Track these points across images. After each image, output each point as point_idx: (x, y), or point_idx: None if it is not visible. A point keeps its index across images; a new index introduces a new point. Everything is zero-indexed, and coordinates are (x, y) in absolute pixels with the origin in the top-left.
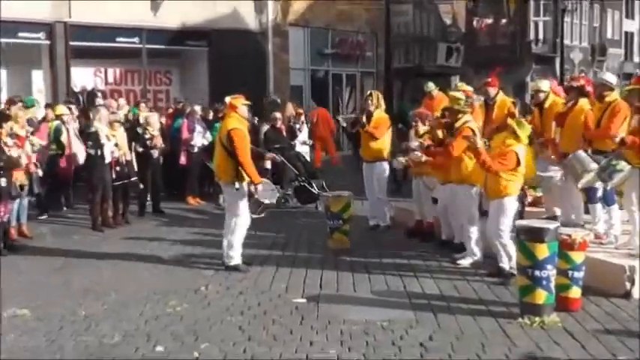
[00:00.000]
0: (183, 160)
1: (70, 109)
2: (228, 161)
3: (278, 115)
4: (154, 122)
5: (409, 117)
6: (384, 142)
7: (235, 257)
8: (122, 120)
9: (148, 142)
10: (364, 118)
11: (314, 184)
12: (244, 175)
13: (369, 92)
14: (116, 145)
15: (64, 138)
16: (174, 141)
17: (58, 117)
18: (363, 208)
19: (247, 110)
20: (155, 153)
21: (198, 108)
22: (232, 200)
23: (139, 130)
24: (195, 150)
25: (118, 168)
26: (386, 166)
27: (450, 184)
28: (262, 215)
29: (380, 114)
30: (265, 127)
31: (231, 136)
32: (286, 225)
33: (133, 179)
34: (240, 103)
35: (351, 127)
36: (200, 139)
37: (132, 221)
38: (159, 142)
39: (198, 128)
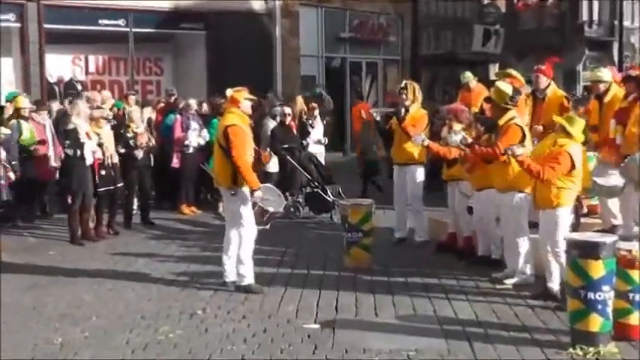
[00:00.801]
0: (175, 162)
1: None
2: (227, 163)
3: (287, 110)
4: (136, 118)
5: (440, 112)
6: None
7: (248, 276)
8: (110, 116)
9: (130, 142)
10: (403, 111)
11: (329, 191)
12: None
13: (403, 84)
14: (101, 144)
15: (26, 137)
16: (166, 140)
17: (17, 111)
18: (386, 219)
19: (251, 106)
20: (139, 154)
21: (193, 102)
22: (234, 208)
23: (123, 129)
24: (190, 150)
25: (103, 172)
26: (421, 170)
27: (486, 191)
28: (267, 227)
29: (417, 110)
30: (272, 124)
31: (227, 134)
32: (296, 238)
33: (120, 185)
34: (242, 97)
35: (385, 122)
36: (195, 137)
37: (117, 231)
38: (143, 140)
39: (194, 125)
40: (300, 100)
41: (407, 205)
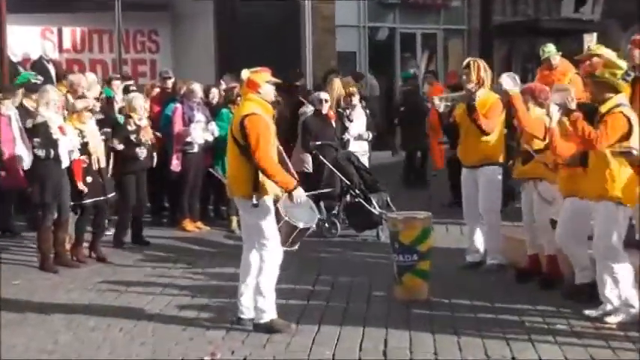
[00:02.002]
0: (175, 164)
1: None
2: (243, 165)
3: (324, 95)
4: (139, 107)
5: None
6: (495, 136)
7: (269, 311)
8: (96, 108)
9: (132, 137)
10: (476, 99)
11: (374, 201)
12: (267, 184)
13: (466, 62)
14: (85, 144)
15: None
16: (164, 137)
17: None
18: (449, 237)
19: (274, 91)
20: (142, 153)
21: (197, 87)
22: (254, 224)
23: (119, 118)
24: (195, 150)
25: (89, 178)
26: (499, 172)
27: (574, 198)
28: (295, 247)
29: (487, 95)
30: (307, 113)
31: (245, 126)
32: (332, 262)
33: (110, 196)
34: (263, 79)
35: (449, 114)
36: (200, 133)
37: (104, 256)
38: (148, 136)
39: (199, 117)
40: (337, 83)
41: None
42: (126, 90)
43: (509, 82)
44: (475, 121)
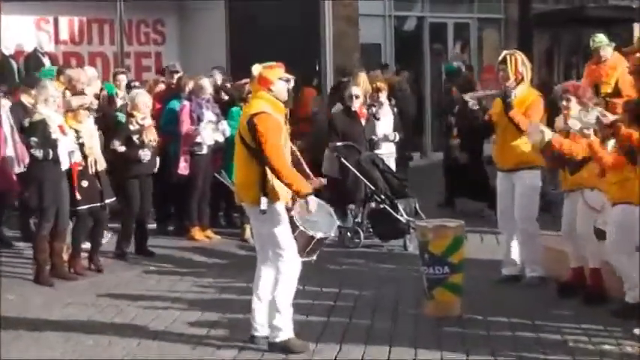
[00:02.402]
0: (183, 167)
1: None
2: (251, 169)
3: (356, 90)
4: (142, 104)
5: (554, 93)
6: None
7: (285, 328)
8: (93, 105)
9: (134, 138)
10: (513, 96)
11: (401, 207)
12: (278, 188)
13: (502, 56)
14: (82, 145)
15: None
16: (169, 137)
17: None
18: (484, 247)
19: (287, 88)
20: (146, 155)
21: (207, 83)
22: (267, 233)
23: (120, 116)
24: (204, 151)
25: (85, 183)
26: (538, 176)
27: (625, 205)
28: (314, 259)
29: (527, 91)
30: (336, 108)
31: (254, 125)
32: (355, 275)
33: (109, 201)
34: (276, 75)
35: (483, 112)
36: (210, 132)
37: (105, 268)
38: (152, 136)
39: (208, 115)
40: (363, 77)
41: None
42: (128, 87)
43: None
44: (512, 119)
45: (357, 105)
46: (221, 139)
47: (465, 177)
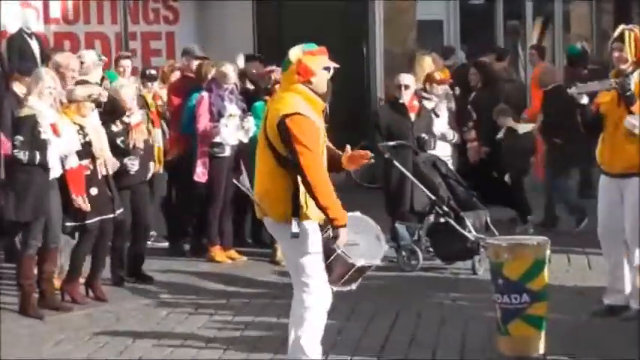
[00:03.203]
0: (200, 173)
1: None
2: (279, 179)
3: (406, 79)
4: (128, 96)
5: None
6: None
7: None
8: (103, 97)
9: (118, 141)
10: (632, 86)
11: (468, 221)
12: (312, 204)
13: (619, 31)
14: (88, 144)
15: None
16: (188, 137)
17: None
18: (573, 270)
19: (329, 79)
20: (133, 165)
21: (231, 70)
22: (294, 257)
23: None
24: (226, 153)
25: (94, 190)
26: None
27: None
28: (352, 288)
29: None
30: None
31: (287, 128)
32: (412, 305)
33: (120, 212)
34: (319, 64)
35: (595, 107)
36: (234, 130)
37: (105, 297)
38: (141, 137)
39: (231, 109)
40: (428, 62)
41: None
42: (144, 76)
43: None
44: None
45: (406, 97)
46: (245, 139)
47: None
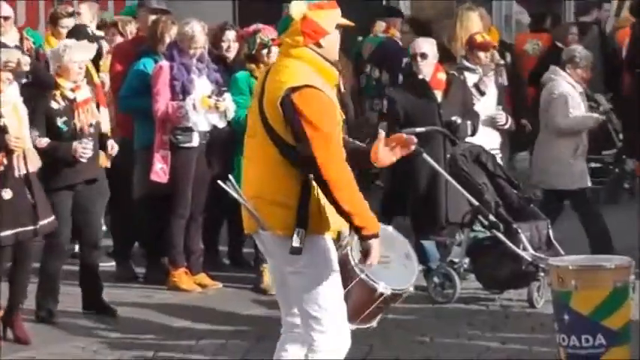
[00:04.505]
0: (160, 170)
1: None
2: (283, 178)
3: (423, 45)
4: (74, 66)
5: None
6: None
7: None
8: (25, 64)
9: (59, 123)
10: None
11: (523, 237)
12: (325, 212)
13: None
14: (2, 130)
15: None
16: (134, 119)
17: None
18: None
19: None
20: (85, 151)
21: (199, 29)
22: (296, 283)
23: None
24: (194, 143)
25: (6, 193)
26: None
27: None
28: (372, 325)
29: None
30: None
31: (296, 107)
32: (446, 349)
33: (44, 223)
34: (331, 21)
35: None
36: (204, 112)
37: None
38: (92, 119)
39: (201, 84)
40: (475, 19)
41: None
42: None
43: None
44: None
45: (426, 69)
46: (221, 123)
47: None
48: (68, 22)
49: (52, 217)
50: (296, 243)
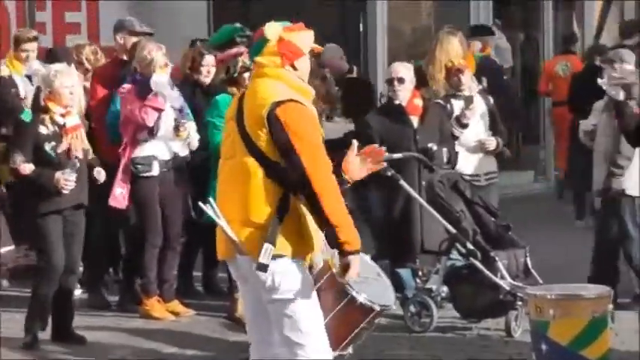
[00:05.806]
0: (119, 196)
1: None
2: (269, 200)
3: (399, 70)
4: (65, 91)
5: None
6: None
7: None
8: None
9: (48, 150)
10: None
11: (500, 264)
12: (302, 234)
13: None
14: None
15: None
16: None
17: None
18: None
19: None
20: (68, 182)
21: (159, 53)
22: (275, 307)
23: (25, 114)
24: (154, 172)
25: None
26: None
27: None
28: (348, 352)
29: None
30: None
31: (280, 121)
32: None
33: (4, 250)
34: (304, 42)
35: None
36: (165, 140)
37: None
38: (80, 146)
39: (165, 110)
40: (455, 44)
41: None
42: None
43: None
44: None
45: (403, 94)
46: (183, 151)
47: None
48: (31, 46)
49: (12, 247)
50: (263, 259)
